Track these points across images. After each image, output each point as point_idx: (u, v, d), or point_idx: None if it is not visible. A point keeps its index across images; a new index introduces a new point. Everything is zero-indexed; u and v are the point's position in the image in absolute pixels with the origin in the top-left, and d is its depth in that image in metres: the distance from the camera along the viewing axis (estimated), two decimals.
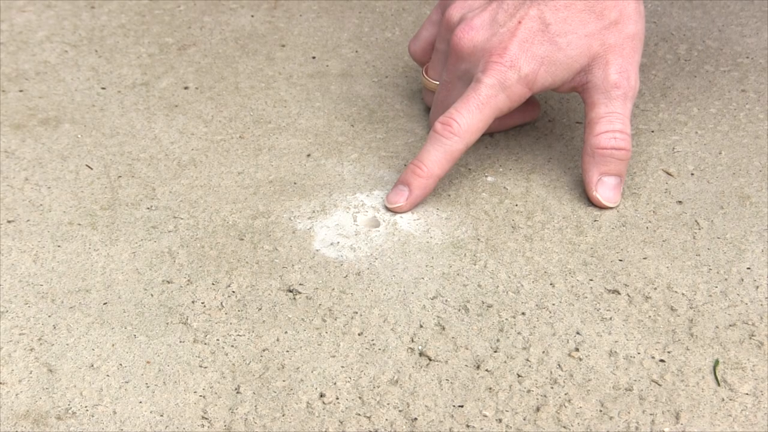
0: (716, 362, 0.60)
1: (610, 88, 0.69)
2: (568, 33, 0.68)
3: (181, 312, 0.63)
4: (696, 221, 0.70)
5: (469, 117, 0.68)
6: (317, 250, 0.67)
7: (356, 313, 0.63)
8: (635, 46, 0.70)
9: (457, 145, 0.68)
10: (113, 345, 0.61)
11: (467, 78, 0.70)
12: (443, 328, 0.62)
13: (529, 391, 0.58)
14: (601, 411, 0.57)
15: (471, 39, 0.69)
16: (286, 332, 0.62)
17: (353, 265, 0.66)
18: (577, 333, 0.62)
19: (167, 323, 0.62)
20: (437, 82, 0.75)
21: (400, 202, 0.69)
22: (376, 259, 0.67)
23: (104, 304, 0.63)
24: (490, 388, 0.58)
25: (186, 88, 0.83)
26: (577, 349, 0.61)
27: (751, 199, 0.71)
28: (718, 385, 0.58)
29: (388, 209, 0.70)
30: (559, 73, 0.69)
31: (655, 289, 0.64)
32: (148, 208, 0.71)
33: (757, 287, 0.64)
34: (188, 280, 0.65)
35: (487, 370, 0.59)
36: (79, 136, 0.77)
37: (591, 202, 0.70)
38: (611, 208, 0.70)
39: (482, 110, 0.68)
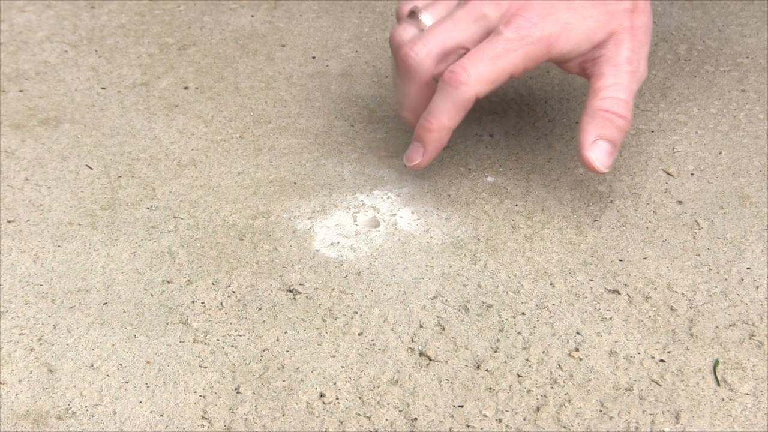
0: (716, 362, 0.60)
1: (621, 62, 0.68)
2: (590, 6, 0.68)
3: (181, 312, 0.63)
4: (696, 221, 0.70)
5: (480, 66, 0.66)
6: (317, 250, 0.67)
7: (356, 313, 0.63)
8: (646, 38, 0.70)
9: (466, 94, 0.66)
10: (113, 345, 0.61)
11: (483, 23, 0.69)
12: (443, 328, 0.62)
13: (529, 391, 0.58)
14: (601, 411, 0.57)
15: None
16: (286, 332, 0.62)
17: (353, 265, 0.66)
18: (577, 333, 0.62)
19: (167, 323, 0.62)
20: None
21: (417, 159, 0.68)
22: (376, 259, 0.67)
23: (104, 304, 0.63)
24: (490, 388, 0.58)
25: (186, 88, 0.83)
26: (577, 349, 0.61)
27: (751, 199, 0.71)
28: (718, 385, 0.58)
29: (408, 168, 0.69)
30: (579, 41, 0.68)
31: (655, 289, 0.65)
32: (148, 208, 0.71)
33: (757, 287, 0.64)
34: (188, 280, 0.65)
35: (487, 370, 0.59)
36: (79, 136, 0.77)
37: (581, 161, 0.68)
38: (601, 172, 0.67)
39: (495, 62, 0.66)
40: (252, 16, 0.92)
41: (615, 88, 0.68)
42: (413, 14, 0.69)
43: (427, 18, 0.69)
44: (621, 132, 0.67)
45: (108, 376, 0.59)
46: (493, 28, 0.67)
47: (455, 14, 0.68)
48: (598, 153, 0.67)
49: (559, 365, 0.60)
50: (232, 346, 0.61)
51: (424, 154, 0.68)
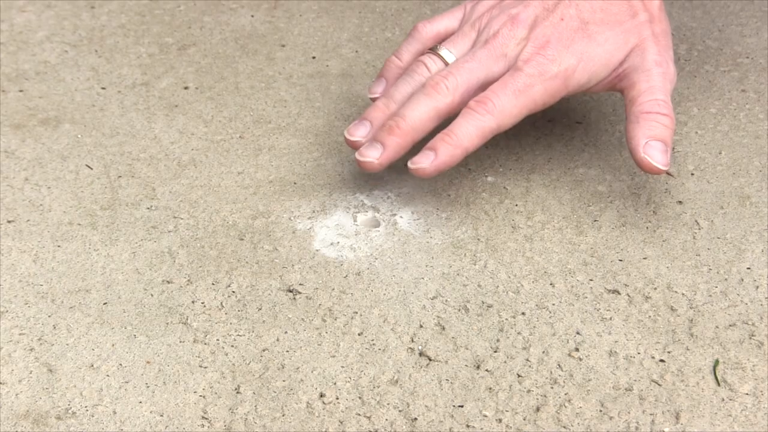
0: (716, 362, 0.60)
1: (650, 67, 0.69)
2: (606, 30, 0.69)
3: (181, 312, 0.63)
4: (696, 221, 0.70)
5: (504, 99, 0.68)
6: (317, 250, 0.67)
7: (356, 313, 0.63)
8: (668, 42, 0.71)
9: (489, 123, 0.67)
10: (113, 345, 0.61)
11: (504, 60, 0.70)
12: (443, 328, 0.62)
13: (529, 391, 0.58)
14: (601, 411, 0.57)
15: (514, 33, 0.70)
16: (286, 332, 0.62)
17: (353, 265, 0.66)
18: (577, 333, 0.62)
19: (167, 323, 0.62)
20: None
21: (423, 164, 0.67)
22: (376, 259, 0.67)
23: (104, 304, 0.63)
24: (490, 388, 0.58)
25: (186, 88, 0.83)
26: (577, 349, 0.61)
27: (751, 199, 0.71)
28: (718, 385, 0.58)
29: (411, 171, 0.67)
30: (596, 70, 0.69)
31: (655, 289, 0.65)
32: (148, 208, 0.71)
33: (757, 287, 0.65)
34: (188, 280, 0.65)
35: (487, 370, 0.59)
36: (79, 136, 0.77)
37: (638, 165, 0.67)
38: (661, 172, 0.67)
39: (518, 96, 0.68)
40: (252, 16, 0.92)
41: (650, 91, 0.69)
42: (433, 50, 0.71)
43: (447, 54, 0.71)
44: (668, 130, 0.68)
45: (108, 376, 0.59)
46: (512, 65, 0.69)
47: (477, 53, 0.70)
48: (652, 152, 0.67)
49: (559, 365, 0.60)
50: (232, 346, 0.61)
51: (433, 162, 0.67)
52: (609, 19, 0.69)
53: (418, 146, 0.69)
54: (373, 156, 0.68)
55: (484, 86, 0.69)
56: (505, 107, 0.68)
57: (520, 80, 0.68)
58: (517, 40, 0.69)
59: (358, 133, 0.70)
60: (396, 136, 0.67)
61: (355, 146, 0.70)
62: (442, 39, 0.73)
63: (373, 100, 0.73)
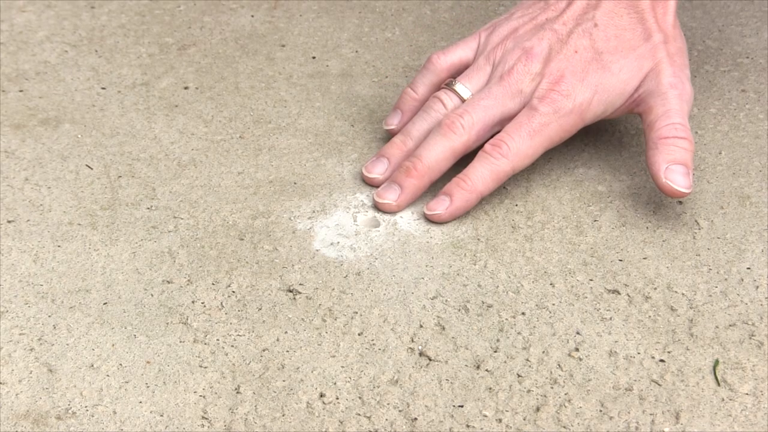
0: (716, 362, 0.60)
1: (665, 90, 0.69)
2: (620, 59, 0.70)
3: (181, 312, 0.63)
4: (696, 221, 0.70)
5: (519, 141, 0.68)
6: (317, 250, 0.67)
7: (356, 313, 0.63)
8: (684, 60, 0.71)
9: (504, 167, 0.69)
10: (113, 345, 0.61)
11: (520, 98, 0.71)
12: (443, 328, 0.62)
13: (529, 391, 0.58)
14: (601, 411, 0.57)
15: (529, 70, 0.70)
16: (286, 332, 0.62)
17: (353, 265, 0.66)
18: (577, 333, 0.62)
19: (167, 323, 0.62)
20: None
21: (439, 210, 0.69)
22: (376, 259, 0.67)
23: (104, 304, 0.63)
24: (490, 388, 0.58)
25: (186, 88, 0.83)
26: (577, 349, 0.61)
27: (751, 199, 0.71)
28: (718, 385, 0.58)
29: (427, 217, 0.69)
30: (611, 100, 0.70)
31: (655, 289, 0.65)
32: (148, 208, 0.71)
33: (757, 287, 0.65)
34: (188, 280, 0.65)
35: (487, 370, 0.59)
36: (79, 136, 0.77)
37: (661, 190, 0.68)
38: (684, 195, 0.68)
39: (533, 137, 0.69)
40: (252, 16, 0.92)
41: (667, 115, 0.69)
42: (449, 85, 0.72)
43: (463, 90, 0.71)
44: (688, 152, 0.68)
45: (108, 376, 0.59)
46: (527, 101, 0.70)
47: (493, 90, 0.70)
48: (674, 177, 0.68)
49: (559, 365, 0.60)
50: (232, 346, 0.61)
51: (448, 208, 0.69)
52: (623, 46, 0.70)
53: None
54: (391, 198, 0.69)
55: (500, 122, 0.70)
56: (520, 149, 0.69)
57: (535, 120, 0.69)
58: (531, 75, 0.70)
59: (376, 170, 0.71)
60: (413, 178, 0.69)
61: (372, 183, 0.72)
62: (456, 70, 0.74)
63: (389, 131, 0.75)
